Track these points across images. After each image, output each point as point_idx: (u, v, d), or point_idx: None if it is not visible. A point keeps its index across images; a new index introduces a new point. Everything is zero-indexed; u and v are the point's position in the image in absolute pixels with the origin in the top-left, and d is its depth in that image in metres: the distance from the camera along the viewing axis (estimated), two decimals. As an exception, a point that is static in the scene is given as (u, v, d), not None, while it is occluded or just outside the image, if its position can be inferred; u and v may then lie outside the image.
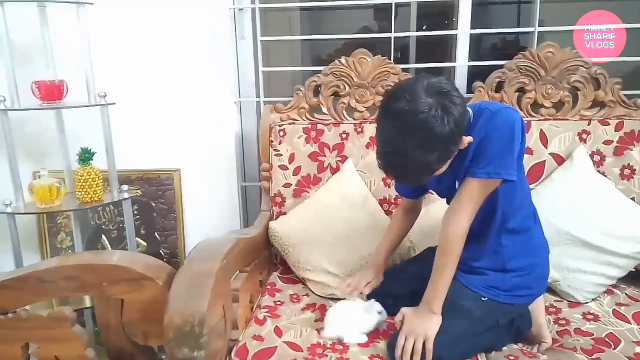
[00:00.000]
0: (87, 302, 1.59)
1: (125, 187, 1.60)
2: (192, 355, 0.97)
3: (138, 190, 1.73)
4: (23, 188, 1.52)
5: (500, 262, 1.11)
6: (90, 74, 1.52)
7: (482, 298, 1.09)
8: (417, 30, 1.83)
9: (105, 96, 1.53)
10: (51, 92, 1.49)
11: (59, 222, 1.84)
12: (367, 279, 1.26)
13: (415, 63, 1.78)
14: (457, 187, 1.07)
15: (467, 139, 1.01)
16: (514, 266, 1.11)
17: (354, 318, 1.19)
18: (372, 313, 1.19)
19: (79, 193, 1.52)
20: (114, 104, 1.54)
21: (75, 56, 1.51)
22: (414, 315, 1.08)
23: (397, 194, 1.45)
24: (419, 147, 0.94)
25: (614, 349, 1.14)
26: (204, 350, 0.97)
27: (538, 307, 1.18)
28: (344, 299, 1.28)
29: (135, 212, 1.78)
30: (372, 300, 1.20)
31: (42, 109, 1.50)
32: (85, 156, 1.52)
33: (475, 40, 1.76)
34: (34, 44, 1.57)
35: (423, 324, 1.06)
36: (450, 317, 1.08)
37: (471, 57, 1.72)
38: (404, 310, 1.11)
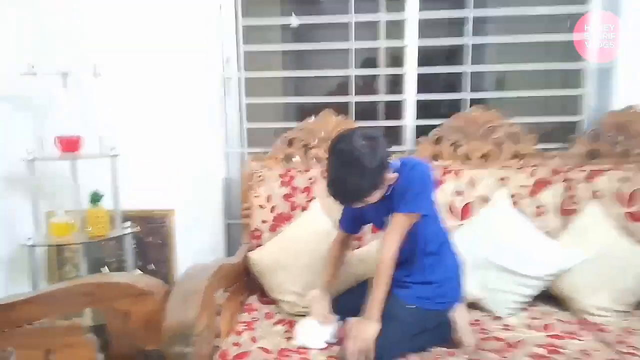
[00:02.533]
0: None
1: (128, 223, 1.90)
2: (184, 351, 1.26)
3: (137, 227, 2.02)
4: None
5: (423, 276, 1.43)
6: (102, 132, 1.86)
7: (412, 307, 1.40)
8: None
9: (114, 149, 1.86)
10: (70, 145, 1.82)
11: (66, 255, 2.12)
12: (326, 309, 1.54)
13: (373, 120, 2.15)
14: (387, 221, 1.40)
15: (393, 175, 1.36)
16: (433, 279, 1.43)
17: (316, 329, 1.49)
18: (329, 325, 1.49)
19: (90, 229, 1.82)
20: (120, 154, 1.87)
21: (90, 115, 1.85)
22: (358, 323, 1.38)
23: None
24: (355, 175, 1.29)
25: (517, 349, 1.44)
26: (193, 347, 1.26)
27: (460, 315, 1.49)
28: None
29: (133, 245, 2.06)
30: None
31: (63, 159, 1.82)
32: (96, 198, 1.83)
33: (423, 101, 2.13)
34: (55, 104, 1.90)
35: (365, 329, 1.36)
36: (388, 324, 1.38)
37: (420, 113, 2.09)
38: (351, 320, 1.41)
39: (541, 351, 1.43)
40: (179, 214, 2.10)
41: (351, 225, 1.61)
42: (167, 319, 1.27)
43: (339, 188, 1.34)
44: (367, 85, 2.23)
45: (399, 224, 1.37)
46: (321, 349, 1.45)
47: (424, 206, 1.37)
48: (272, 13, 2.27)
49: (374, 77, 2.25)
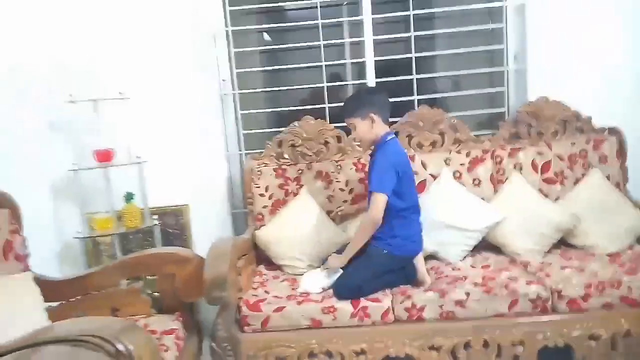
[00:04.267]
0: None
1: (155, 217, 2.37)
2: (221, 295, 1.74)
3: (159, 221, 2.48)
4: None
5: (392, 232, 1.94)
6: (129, 144, 2.32)
7: (384, 251, 1.93)
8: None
9: (139, 157, 2.32)
10: (104, 157, 2.27)
11: (101, 248, 2.55)
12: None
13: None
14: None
15: (380, 128, 1.96)
16: (399, 234, 1.95)
17: (315, 279, 1.99)
18: (331, 276, 1.98)
19: (126, 222, 2.28)
20: (146, 161, 2.33)
21: (119, 131, 2.31)
22: (332, 257, 1.94)
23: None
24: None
25: (463, 281, 1.97)
26: (227, 292, 1.74)
27: (420, 262, 2.01)
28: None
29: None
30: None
31: (99, 167, 2.27)
32: (129, 197, 2.29)
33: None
34: (89, 123, 2.35)
35: (335, 261, 1.91)
36: (367, 264, 1.90)
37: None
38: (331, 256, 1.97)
39: (480, 280, 1.96)
40: (193, 208, 2.57)
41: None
42: (207, 272, 1.76)
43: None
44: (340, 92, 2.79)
45: (373, 200, 1.89)
46: (318, 293, 1.95)
47: (384, 186, 1.88)
48: (252, 38, 2.79)
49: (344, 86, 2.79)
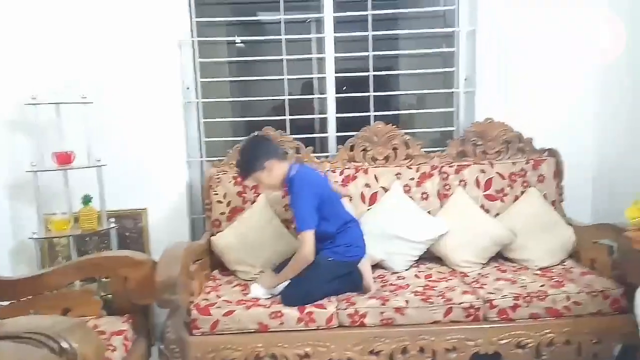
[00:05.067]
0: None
1: (112, 220, 2.41)
2: (171, 298, 1.81)
3: (117, 224, 2.52)
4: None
5: (335, 243, 2.07)
6: (90, 147, 2.36)
7: (329, 259, 2.03)
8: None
9: (99, 160, 2.36)
10: (65, 159, 2.31)
11: (57, 249, 2.57)
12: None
13: (303, 134, 2.77)
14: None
15: (281, 167, 2.07)
16: (342, 243, 2.07)
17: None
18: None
19: (82, 224, 2.31)
20: (106, 165, 2.38)
21: (79, 134, 2.35)
22: (265, 276, 2.09)
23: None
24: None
25: (404, 289, 2.09)
26: (177, 295, 1.81)
27: (366, 269, 2.12)
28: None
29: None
30: None
31: (59, 169, 2.30)
32: (87, 199, 2.33)
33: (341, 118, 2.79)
34: (50, 125, 2.37)
35: (266, 281, 2.05)
36: (314, 272, 1.99)
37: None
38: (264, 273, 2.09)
39: (420, 289, 2.09)
40: (151, 212, 2.62)
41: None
42: (158, 275, 1.82)
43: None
44: (307, 105, 2.92)
45: (302, 239, 1.98)
46: (267, 298, 2.04)
47: (307, 223, 1.97)
48: (222, 48, 2.88)
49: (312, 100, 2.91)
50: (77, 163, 2.36)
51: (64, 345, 1.22)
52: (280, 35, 2.67)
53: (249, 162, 2.06)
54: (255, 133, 2.36)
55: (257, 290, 2.06)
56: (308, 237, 1.97)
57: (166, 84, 2.57)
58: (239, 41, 3.02)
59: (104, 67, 2.49)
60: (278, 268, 2.16)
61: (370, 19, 2.67)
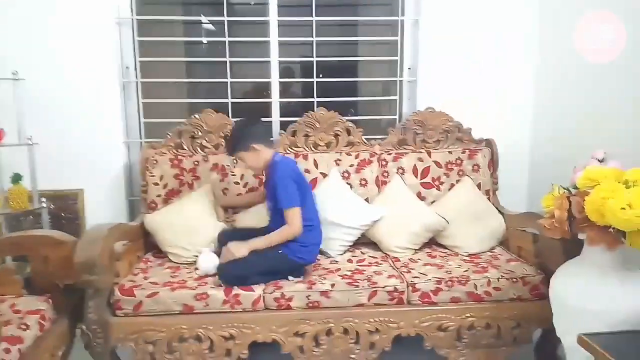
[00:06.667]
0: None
1: (44, 199, 2.36)
2: (90, 279, 1.79)
3: (51, 204, 2.47)
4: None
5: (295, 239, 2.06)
6: (21, 125, 2.30)
7: (279, 251, 2.03)
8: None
9: (31, 138, 2.31)
10: (-7, 136, 2.25)
11: (-12, 229, 2.51)
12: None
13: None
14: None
15: (266, 153, 2.10)
16: (300, 240, 2.05)
17: (210, 259, 2.09)
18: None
19: (12, 203, 2.26)
20: (37, 144, 2.32)
21: (10, 111, 2.28)
22: (234, 245, 2.02)
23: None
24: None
25: (334, 274, 2.11)
26: (97, 276, 1.79)
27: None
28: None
29: (49, 220, 2.50)
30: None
31: (-14, 147, 2.25)
32: (17, 178, 2.27)
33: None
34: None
35: (238, 248, 2.01)
36: (260, 258, 2.00)
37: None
38: (231, 243, 2.04)
39: (349, 273, 2.12)
40: (88, 193, 2.58)
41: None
42: (77, 256, 1.80)
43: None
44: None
45: (289, 215, 2.01)
46: (215, 274, 2.03)
47: (293, 201, 2.01)
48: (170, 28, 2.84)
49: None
50: (7, 141, 2.30)
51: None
52: (223, 17, 2.64)
53: (239, 140, 2.09)
54: (254, 114, 2.47)
55: (206, 264, 2.07)
56: (295, 213, 2.02)
57: (103, 62, 2.52)
58: (206, 21, 2.97)
59: (38, 43, 2.43)
60: (227, 236, 2.17)
61: (314, 3, 2.66)
